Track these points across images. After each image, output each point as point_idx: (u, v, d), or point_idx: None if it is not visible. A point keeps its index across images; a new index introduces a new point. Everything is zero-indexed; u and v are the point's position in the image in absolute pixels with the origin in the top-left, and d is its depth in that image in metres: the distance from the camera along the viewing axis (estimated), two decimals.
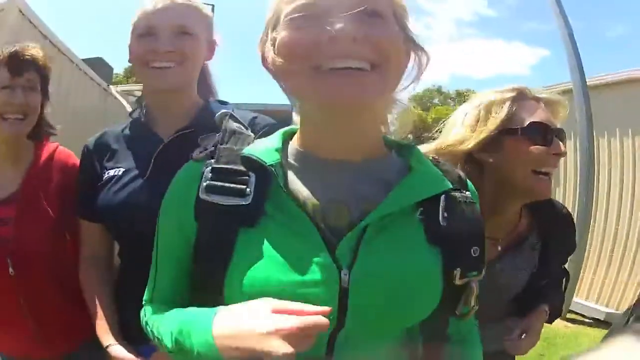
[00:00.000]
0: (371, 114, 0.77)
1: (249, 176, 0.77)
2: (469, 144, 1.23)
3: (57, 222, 1.43)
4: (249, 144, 0.82)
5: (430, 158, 0.87)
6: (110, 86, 6.32)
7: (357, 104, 0.70)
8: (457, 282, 0.77)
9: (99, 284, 1.32)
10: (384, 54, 0.70)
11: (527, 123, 1.20)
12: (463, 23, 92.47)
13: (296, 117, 0.83)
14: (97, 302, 1.29)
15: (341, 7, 0.68)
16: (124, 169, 1.27)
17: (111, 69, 7.41)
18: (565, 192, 5.32)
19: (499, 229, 1.31)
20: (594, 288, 4.96)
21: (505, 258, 1.33)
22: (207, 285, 0.77)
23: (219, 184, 0.77)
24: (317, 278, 0.71)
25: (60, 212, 1.44)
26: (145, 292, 0.91)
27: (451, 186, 0.81)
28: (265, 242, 0.74)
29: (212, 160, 0.80)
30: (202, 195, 0.77)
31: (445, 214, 0.78)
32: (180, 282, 0.84)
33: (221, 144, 0.82)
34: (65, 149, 1.56)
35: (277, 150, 0.79)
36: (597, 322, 4.69)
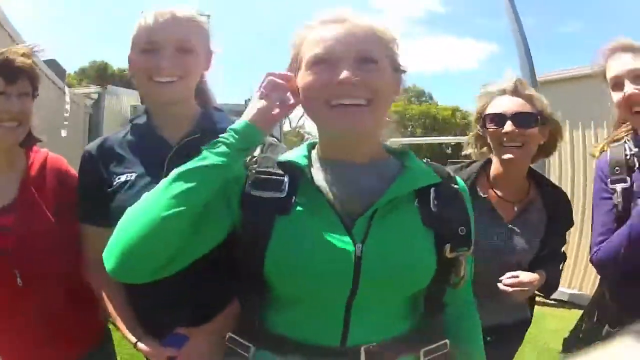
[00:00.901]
0: (372, 132, 1.01)
1: (284, 176, 0.99)
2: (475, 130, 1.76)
3: (58, 229, 1.42)
4: (282, 152, 1.07)
5: (424, 161, 1.09)
6: (67, 87, 6.13)
7: (356, 130, 0.95)
8: (448, 255, 0.97)
9: (111, 287, 1.32)
10: (376, 92, 0.94)
11: (487, 113, 1.65)
12: (414, 20, 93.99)
13: (317, 132, 1.07)
14: (113, 305, 1.31)
15: (345, 59, 0.92)
16: (136, 174, 1.30)
17: (64, 70, 7.15)
18: None
19: (512, 194, 1.68)
20: None
21: (520, 218, 1.68)
22: (249, 261, 0.96)
23: (261, 182, 0.98)
24: (338, 249, 0.92)
25: (60, 217, 1.43)
26: None
27: (440, 179, 1.02)
28: (297, 225, 0.95)
29: (255, 165, 1.01)
30: (248, 190, 0.98)
31: (436, 202, 0.99)
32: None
33: (262, 153, 1.06)
34: (55, 155, 1.55)
35: (305, 156, 1.02)
36: (561, 303, 4.93)
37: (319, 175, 1.00)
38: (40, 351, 1.41)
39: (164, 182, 0.95)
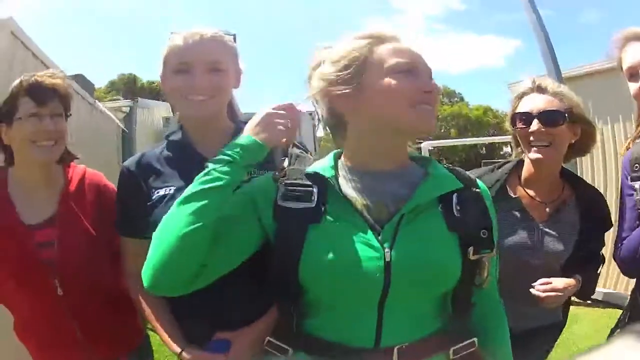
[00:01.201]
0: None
1: (312, 187, 1.04)
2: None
3: (98, 240, 1.49)
4: (310, 163, 1.11)
5: (445, 166, 1.13)
6: (96, 102, 6.28)
7: (432, 128, 1.06)
8: (472, 257, 1.02)
9: (151, 298, 1.36)
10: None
11: (516, 112, 1.63)
12: (433, 19, 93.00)
13: (343, 142, 1.12)
14: (154, 316, 1.36)
15: (425, 71, 1.05)
16: (175, 188, 1.34)
17: (92, 85, 7.35)
18: None
19: (544, 195, 1.65)
20: None
21: (553, 219, 1.64)
22: (285, 269, 1.01)
23: (292, 194, 1.04)
24: (369, 255, 0.97)
25: (99, 229, 1.49)
26: None
27: (462, 185, 1.07)
28: (329, 232, 1.00)
29: (284, 178, 1.06)
30: (280, 202, 1.03)
31: (458, 207, 1.04)
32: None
33: (290, 165, 1.11)
34: (93, 170, 1.62)
35: (332, 167, 1.07)
36: (595, 302, 4.79)
37: (346, 184, 1.06)
38: (80, 356, 1.49)
39: (178, 201, 1.02)
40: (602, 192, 5.05)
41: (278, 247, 1.03)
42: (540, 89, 1.60)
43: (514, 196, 1.64)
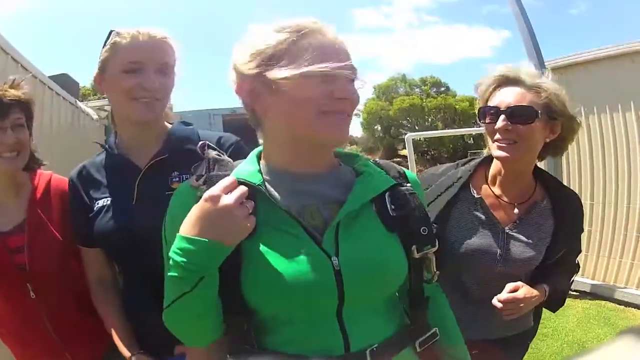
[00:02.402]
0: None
1: None
2: None
3: (65, 244, 1.51)
4: (230, 168, 1.01)
5: (372, 161, 1.09)
6: (78, 102, 6.20)
7: (343, 139, 0.97)
8: (416, 255, 1.01)
9: (109, 304, 1.43)
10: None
11: (484, 106, 1.50)
12: (423, 10, 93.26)
13: (267, 143, 1.03)
14: (111, 321, 1.41)
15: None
16: (111, 199, 1.37)
17: (77, 84, 7.23)
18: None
19: (513, 195, 1.53)
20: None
21: (521, 223, 1.52)
22: (226, 287, 0.93)
23: None
24: (314, 266, 0.91)
25: (65, 234, 1.51)
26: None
27: (394, 182, 1.04)
28: (266, 246, 0.92)
29: (204, 187, 0.95)
30: None
31: (393, 207, 1.01)
32: None
33: (209, 172, 1.00)
34: (59, 176, 1.63)
35: (258, 172, 0.99)
36: (583, 294, 4.83)
37: (275, 190, 0.98)
38: (59, 356, 1.52)
39: (174, 296, 0.93)
40: (589, 184, 5.05)
41: None
42: (515, 80, 1.45)
43: (476, 196, 1.53)
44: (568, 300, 4.74)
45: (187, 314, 0.95)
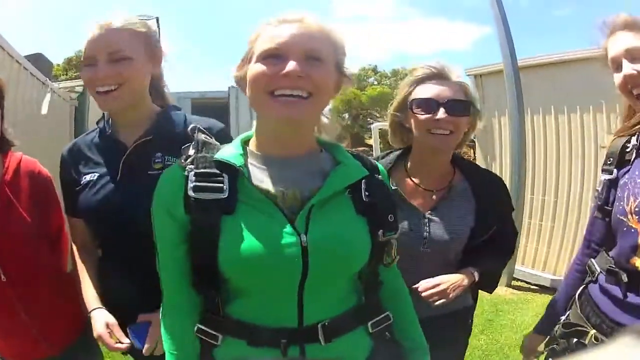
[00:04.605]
0: (308, 124, 1.10)
1: (223, 176, 1.03)
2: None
3: (35, 226, 1.52)
4: (217, 150, 1.08)
5: (349, 151, 1.17)
6: (49, 82, 6.06)
7: (294, 119, 1.01)
8: (381, 239, 1.10)
9: (85, 264, 1.53)
10: (318, 87, 1.01)
11: (415, 98, 1.57)
12: (404, 2, 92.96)
13: (254, 127, 1.12)
14: (83, 279, 1.50)
15: (293, 54, 0.99)
16: (98, 174, 1.45)
17: (50, 63, 7.08)
18: (502, 166, 5.59)
19: (433, 182, 1.64)
20: (538, 257, 5.27)
21: (440, 207, 1.61)
22: (203, 259, 1.03)
23: (203, 184, 1.02)
24: (286, 242, 1.00)
25: (34, 216, 1.52)
26: (162, 301, 1.14)
27: (367, 173, 1.12)
28: (243, 223, 1.01)
29: (192, 166, 1.04)
30: (191, 194, 1.01)
31: (367, 193, 1.10)
32: (184, 278, 1.09)
33: (197, 153, 1.07)
34: (29, 158, 1.63)
35: (241, 155, 1.06)
36: (542, 289, 4.97)
37: (256, 172, 1.07)
38: (28, 341, 1.52)
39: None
40: (553, 181, 5.16)
41: (194, 239, 1.04)
42: (443, 77, 1.56)
43: (393, 187, 1.54)
44: (528, 294, 4.92)
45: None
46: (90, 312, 1.41)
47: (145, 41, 1.42)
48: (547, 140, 5.21)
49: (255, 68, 1.01)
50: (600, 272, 1.43)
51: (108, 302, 1.45)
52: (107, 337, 1.35)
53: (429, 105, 1.53)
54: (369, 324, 1.13)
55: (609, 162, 1.47)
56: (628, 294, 1.30)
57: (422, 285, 1.48)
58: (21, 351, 1.55)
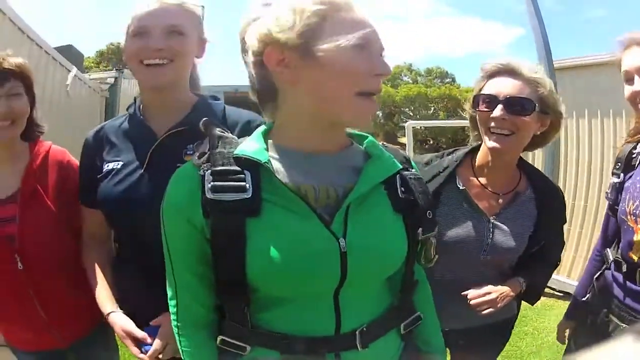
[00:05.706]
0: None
1: (244, 174, 0.92)
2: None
3: (59, 216, 1.52)
4: (235, 145, 0.97)
5: (380, 144, 1.08)
6: (78, 72, 6.19)
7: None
8: (421, 237, 1.05)
9: (98, 261, 1.45)
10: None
11: (481, 93, 1.50)
12: (438, 0, 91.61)
13: (280, 119, 1.00)
14: (97, 277, 1.43)
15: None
16: (122, 163, 1.36)
17: (82, 55, 7.24)
18: None
19: (499, 185, 1.57)
20: (564, 263, 5.14)
21: (505, 212, 1.55)
22: (228, 268, 0.93)
23: (222, 183, 0.91)
24: (323, 247, 0.91)
25: (60, 206, 1.52)
26: (173, 314, 1.05)
27: (401, 166, 1.04)
28: (272, 225, 0.91)
29: (208, 164, 0.93)
30: (209, 196, 0.90)
31: (402, 189, 1.03)
32: (200, 290, 1.00)
33: (213, 149, 0.96)
34: (58, 147, 1.62)
35: (265, 149, 0.95)
36: (567, 296, 4.85)
37: (282, 168, 0.95)
38: (43, 331, 1.52)
39: None
40: (584, 184, 5.04)
41: (216, 246, 0.93)
42: (513, 72, 1.45)
43: (461, 187, 1.53)
44: (552, 301, 4.80)
45: None
46: (107, 315, 1.36)
47: (197, 24, 1.39)
48: (580, 143, 5.08)
49: (343, 58, 0.90)
50: (612, 261, 1.59)
51: (125, 306, 1.38)
52: (131, 345, 1.30)
53: (488, 101, 1.46)
54: (402, 325, 1.09)
55: (617, 167, 1.59)
56: (627, 282, 1.50)
57: (472, 293, 1.46)
58: (27, 338, 1.56)
